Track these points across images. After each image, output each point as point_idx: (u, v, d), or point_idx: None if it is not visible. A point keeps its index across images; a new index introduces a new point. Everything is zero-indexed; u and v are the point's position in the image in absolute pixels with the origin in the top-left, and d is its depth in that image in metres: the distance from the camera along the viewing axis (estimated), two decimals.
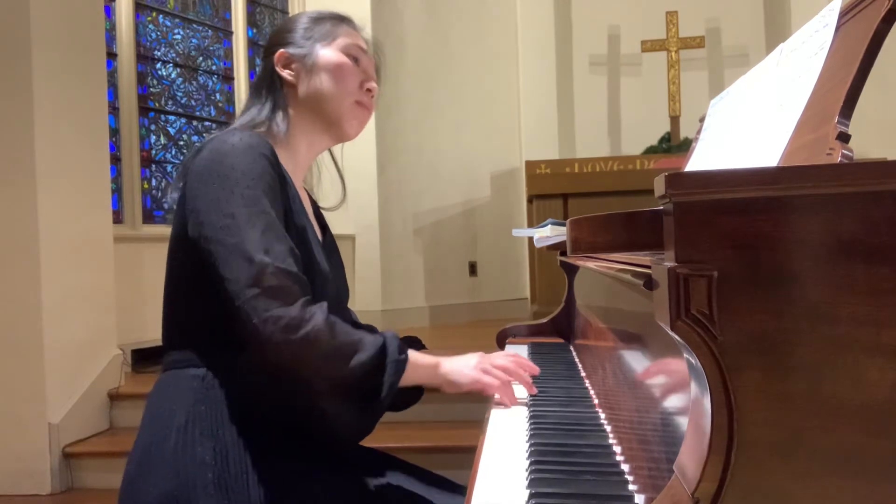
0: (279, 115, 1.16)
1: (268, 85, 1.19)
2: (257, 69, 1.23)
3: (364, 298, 4.73)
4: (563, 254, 1.65)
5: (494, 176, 5.51)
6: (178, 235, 1.06)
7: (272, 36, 1.24)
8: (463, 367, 1.12)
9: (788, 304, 0.48)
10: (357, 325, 1.30)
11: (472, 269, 5.38)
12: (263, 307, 0.93)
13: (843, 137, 0.61)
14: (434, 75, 5.18)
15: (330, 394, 1.01)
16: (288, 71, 1.18)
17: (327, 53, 1.18)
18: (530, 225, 4.41)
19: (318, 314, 0.96)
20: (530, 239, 1.94)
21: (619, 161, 4.52)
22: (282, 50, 1.19)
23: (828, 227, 0.48)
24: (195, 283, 1.03)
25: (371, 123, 5.47)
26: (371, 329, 1.15)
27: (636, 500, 0.71)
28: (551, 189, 4.09)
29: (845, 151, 0.60)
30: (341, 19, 1.23)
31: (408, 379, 1.05)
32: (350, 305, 1.34)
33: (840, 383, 0.48)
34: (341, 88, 1.17)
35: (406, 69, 5.01)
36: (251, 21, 4.83)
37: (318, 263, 1.09)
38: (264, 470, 1.00)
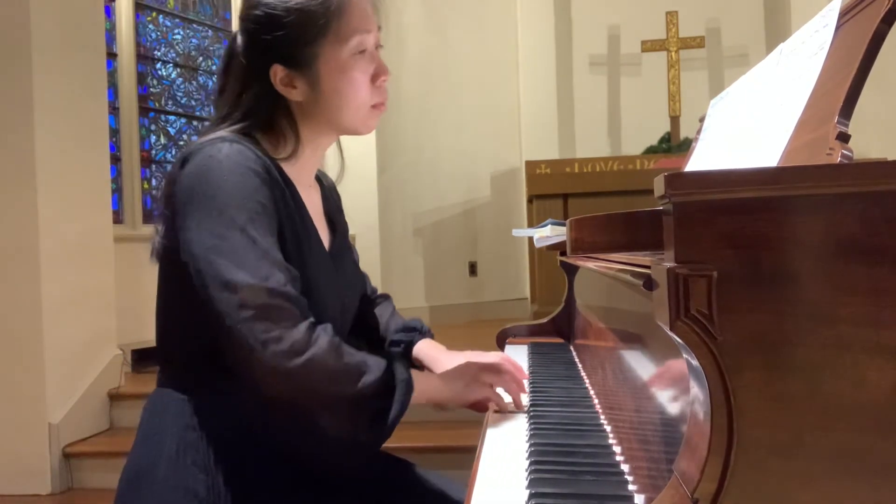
0: (285, 133, 1.05)
1: (264, 98, 1.04)
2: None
3: None
4: (563, 254, 1.64)
5: (494, 176, 5.50)
6: (167, 249, 1.00)
7: (254, 33, 1.04)
8: (457, 384, 1.07)
9: (788, 304, 0.48)
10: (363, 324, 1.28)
11: (472, 269, 5.38)
12: (262, 329, 0.88)
13: (843, 137, 0.61)
14: (434, 75, 5.17)
15: (332, 419, 0.95)
16: (289, 88, 1.04)
17: (333, 70, 1.03)
18: (530, 225, 4.40)
19: (322, 336, 0.91)
20: (530, 239, 1.94)
21: (619, 161, 4.52)
22: (276, 65, 1.03)
23: (828, 227, 0.48)
24: (186, 304, 0.97)
25: None
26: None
27: (636, 500, 0.71)
28: (551, 189, 4.09)
29: (845, 151, 0.60)
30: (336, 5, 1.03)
31: (414, 399, 0.99)
32: None
33: (840, 383, 0.48)
34: (356, 103, 1.06)
35: (406, 69, 5.00)
36: None
37: (314, 284, 1.01)
38: None
